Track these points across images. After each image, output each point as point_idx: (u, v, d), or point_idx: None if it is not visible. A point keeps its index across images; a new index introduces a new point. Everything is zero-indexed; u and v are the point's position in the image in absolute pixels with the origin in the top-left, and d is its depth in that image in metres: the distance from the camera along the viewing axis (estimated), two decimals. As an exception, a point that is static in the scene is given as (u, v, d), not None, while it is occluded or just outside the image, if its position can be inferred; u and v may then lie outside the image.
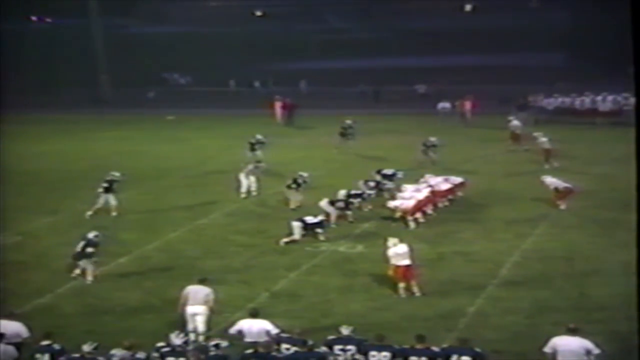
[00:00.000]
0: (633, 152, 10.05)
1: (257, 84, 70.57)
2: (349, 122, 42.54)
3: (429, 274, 21.89)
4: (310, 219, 25.98)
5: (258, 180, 32.12)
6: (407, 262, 20.91)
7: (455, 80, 60.84)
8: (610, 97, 51.50)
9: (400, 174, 31.34)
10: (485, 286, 21.27)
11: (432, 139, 37.71)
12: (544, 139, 37.28)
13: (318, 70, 70.91)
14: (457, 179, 30.84)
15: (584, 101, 52.36)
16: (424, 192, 28.42)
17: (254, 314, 16.80)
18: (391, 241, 21.25)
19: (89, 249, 22.30)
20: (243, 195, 31.54)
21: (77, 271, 22.45)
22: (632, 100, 50.65)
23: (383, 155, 39.22)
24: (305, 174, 30.30)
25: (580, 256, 23.75)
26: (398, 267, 20.87)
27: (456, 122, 50.40)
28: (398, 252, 20.96)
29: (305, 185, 30.13)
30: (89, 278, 22.25)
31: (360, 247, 25.08)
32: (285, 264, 23.61)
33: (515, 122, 42.68)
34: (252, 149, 37.62)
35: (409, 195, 28.13)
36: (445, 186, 29.96)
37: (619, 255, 22.71)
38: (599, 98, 51.89)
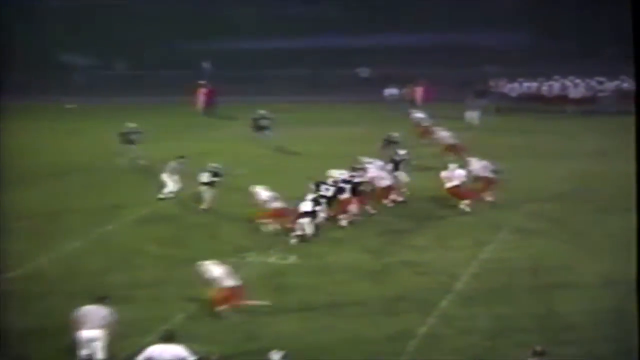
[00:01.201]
0: (609, 145, 10.01)
1: (206, 64, 70.10)
2: (262, 112, 42.91)
3: (373, 288, 21.86)
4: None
5: (179, 179, 31.95)
6: (232, 282, 20.84)
7: (404, 63, 60.92)
8: (582, 82, 52.08)
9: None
10: (438, 302, 21.26)
11: (395, 134, 37.78)
12: (445, 134, 37.63)
13: (246, 50, 70.46)
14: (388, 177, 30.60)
15: (553, 86, 52.88)
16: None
17: (168, 338, 16.60)
18: (205, 265, 21.23)
19: None
20: (170, 196, 31.48)
21: None
22: (608, 85, 51.54)
23: (323, 150, 39.11)
24: (218, 165, 30.72)
25: (547, 267, 23.86)
26: (223, 289, 20.75)
27: (406, 111, 50.58)
28: (215, 274, 20.92)
29: (219, 179, 30.39)
30: None
31: (293, 258, 24.99)
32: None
33: (419, 115, 42.82)
34: (127, 141, 37.59)
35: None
36: (384, 182, 29.96)
37: (592, 265, 22.92)
38: (569, 83, 52.43)
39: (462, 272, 23.45)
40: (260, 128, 42.34)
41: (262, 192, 27.48)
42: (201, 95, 54.64)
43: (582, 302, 20.77)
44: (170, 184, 31.84)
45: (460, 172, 30.19)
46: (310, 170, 31.85)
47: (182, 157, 33.11)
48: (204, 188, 30.46)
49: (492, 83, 54.04)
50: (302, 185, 28.79)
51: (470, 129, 45.93)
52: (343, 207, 28.02)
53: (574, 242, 25.87)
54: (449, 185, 29.96)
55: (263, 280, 23.23)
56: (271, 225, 27.03)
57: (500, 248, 25.63)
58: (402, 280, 23.09)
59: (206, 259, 24.59)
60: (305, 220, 26.29)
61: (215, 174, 30.54)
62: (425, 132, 41.26)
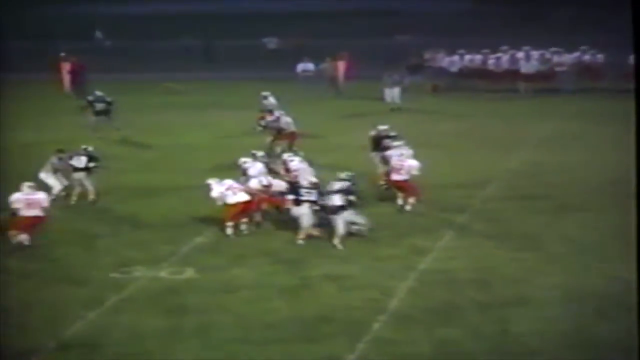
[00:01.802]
0: (569, 132, 10.23)
1: (99, 34, 69.44)
2: (99, 93, 43.32)
3: (290, 308, 21.86)
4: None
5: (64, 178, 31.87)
6: None
7: (321, 32, 61.11)
8: (536, 54, 52.39)
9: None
10: (369, 324, 21.30)
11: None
12: (288, 119, 37.30)
13: (125, 16, 70.13)
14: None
15: (501, 59, 53.06)
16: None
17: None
18: None
19: None
20: (62, 194, 31.31)
21: None
22: (567, 57, 52.13)
23: (227, 143, 39.04)
24: (90, 148, 31.29)
25: (499, 279, 24.01)
26: None
27: (323, 90, 50.75)
28: None
29: (96, 165, 30.98)
30: None
31: (190, 272, 24.84)
32: (81, 298, 23.15)
33: (272, 100, 42.45)
34: None
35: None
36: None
37: (552, 276, 23.17)
38: (521, 55, 52.72)
39: (396, 286, 23.48)
40: (98, 113, 42.63)
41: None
42: (65, 73, 54.14)
43: (539, 321, 20.89)
44: (56, 183, 31.54)
45: (413, 164, 29.83)
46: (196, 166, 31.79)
47: (61, 151, 32.97)
48: (79, 175, 30.66)
49: (428, 56, 54.20)
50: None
51: (399, 111, 46.20)
52: None
53: (528, 249, 26.03)
54: (396, 177, 29.81)
55: (154, 299, 23.08)
56: None
57: (441, 257, 25.71)
58: (325, 298, 23.02)
59: (82, 276, 24.59)
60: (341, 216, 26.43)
61: (90, 158, 30.83)
62: (264, 117, 39.57)
